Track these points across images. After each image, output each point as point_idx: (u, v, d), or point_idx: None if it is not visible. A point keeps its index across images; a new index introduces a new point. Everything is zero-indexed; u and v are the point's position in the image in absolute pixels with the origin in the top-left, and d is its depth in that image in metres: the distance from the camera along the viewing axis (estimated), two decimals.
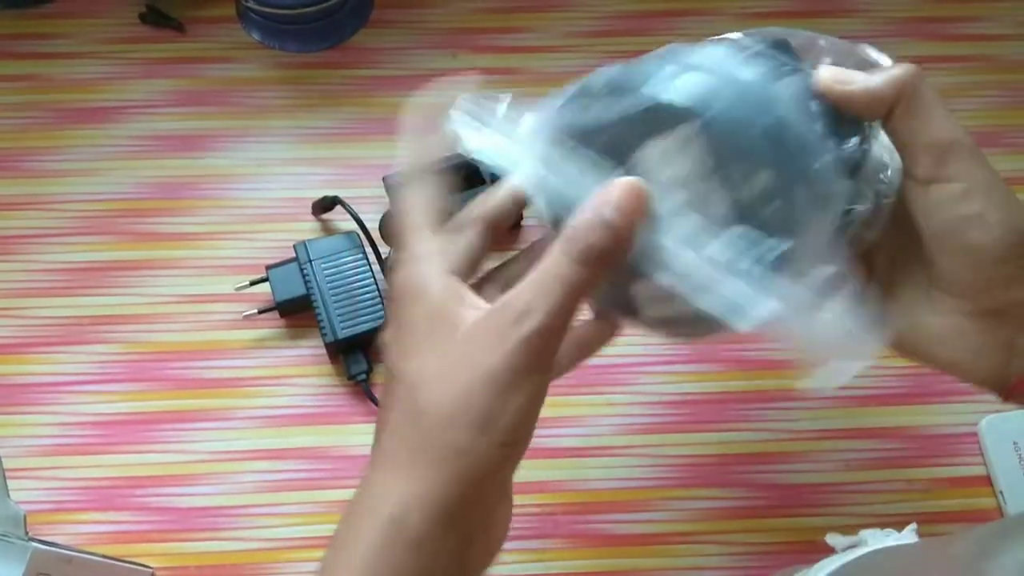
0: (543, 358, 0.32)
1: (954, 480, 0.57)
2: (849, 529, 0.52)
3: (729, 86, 0.34)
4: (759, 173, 0.33)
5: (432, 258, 0.35)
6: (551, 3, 0.71)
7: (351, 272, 0.58)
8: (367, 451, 0.57)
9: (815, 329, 0.32)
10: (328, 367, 0.59)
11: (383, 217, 0.60)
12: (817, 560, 0.47)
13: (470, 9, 0.70)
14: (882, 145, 0.38)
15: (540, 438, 0.58)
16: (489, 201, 0.38)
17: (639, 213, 0.32)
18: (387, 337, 0.36)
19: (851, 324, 0.33)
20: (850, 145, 0.36)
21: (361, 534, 0.33)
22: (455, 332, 0.33)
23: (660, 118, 0.34)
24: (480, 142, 0.36)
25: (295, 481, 0.56)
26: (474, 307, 0.33)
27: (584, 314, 0.38)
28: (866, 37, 0.41)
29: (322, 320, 0.57)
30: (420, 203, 0.36)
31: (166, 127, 0.65)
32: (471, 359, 0.32)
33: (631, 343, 0.60)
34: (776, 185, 0.33)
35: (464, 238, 0.37)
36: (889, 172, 0.38)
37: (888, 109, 0.36)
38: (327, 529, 0.56)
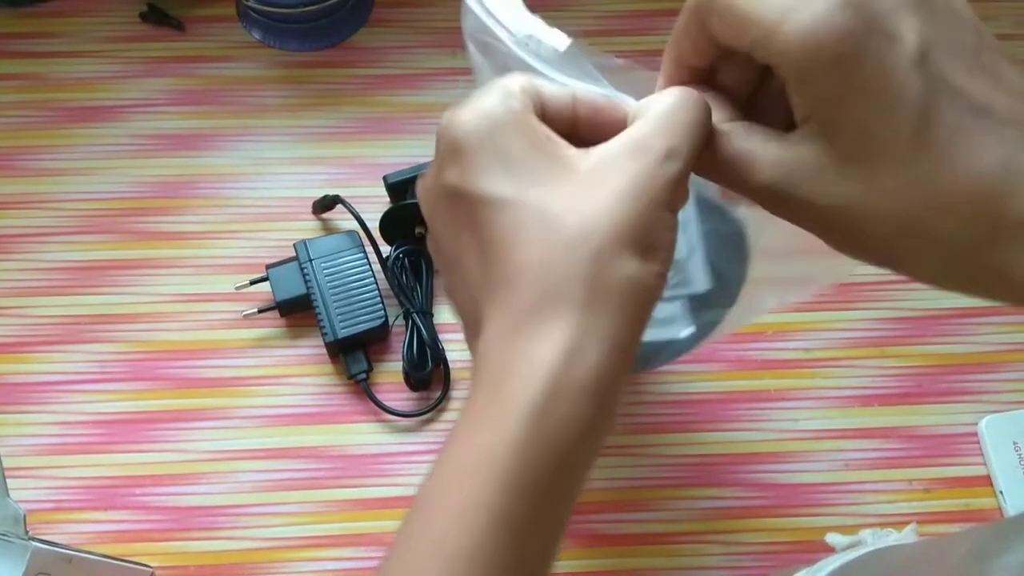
0: (679, 204, 0.30)
1: (954, 480, 0.57)
2: (849, 529, 0.52)
3: None
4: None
5: (525, 96, 0.31)
6: (551, 3, 0.71)
7: (351, 271, 0.58)
8: (367, 450, 0.57)
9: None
10: (328, 366, 0.59)
11: (383, 216, 0.60)
12: (817, 560, 0.47)
13: None
14: None
15: None
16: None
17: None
18: (483, 162, 0.29)
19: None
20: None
21: (505, 406, 0.27)
22: (577, 167, 0.29)
23: None
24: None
25: (295, 480, 0.56)
26: (577, 151, 0.30)
27: None
28: None
29: (322, 319, 0.57)
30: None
31: (166, 126, 0.65)
32: (620, 188, 0.28)
33: None
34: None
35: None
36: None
37: None
38: (327, 528, 0.56)
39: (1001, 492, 0.56)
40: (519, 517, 0.27)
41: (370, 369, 0.58)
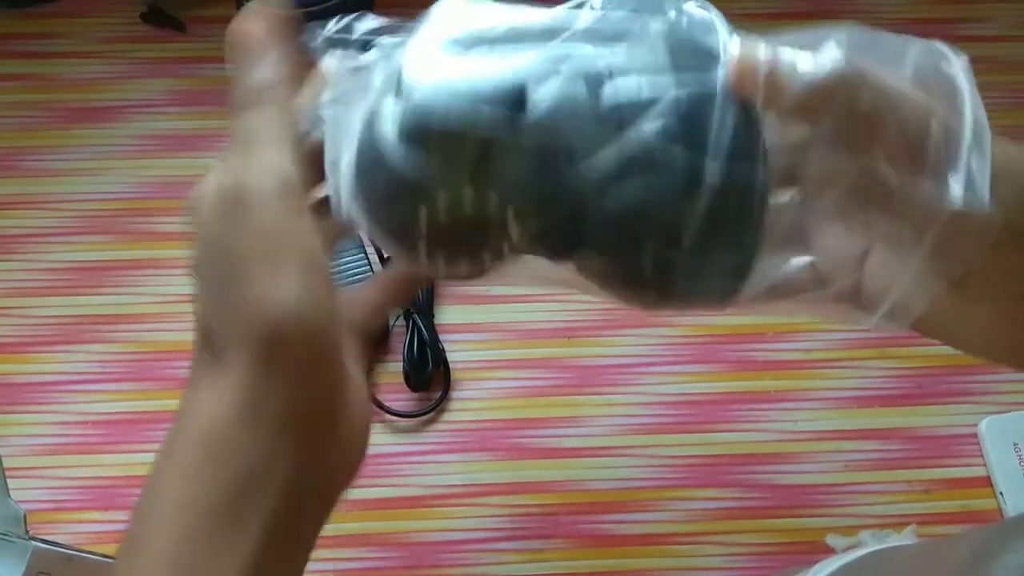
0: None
1: (954, 481, 0.57)
2: (849, 530, 0.52)
3: None
4: None
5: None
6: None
7: (352, 271, 0.58)
8: (367, 450, 0.57)
9: None
10: None
11: None
12: (817, 561, 0.47)
13: None
14: None
15: (540, 438, 0.58)
16: None
17: None
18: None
19: None
20: None
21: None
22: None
23: None
24: None
25: None
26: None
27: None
28: None
29: None
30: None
31: (167, 126, 0.65)
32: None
33: (631, 343, 0.60)
34: None
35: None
36: None
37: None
38: (327, 529, 0.56)
39: (1001, 493, 0.56)
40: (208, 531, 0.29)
41: (370, 369, 0.58)
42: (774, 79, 0.28)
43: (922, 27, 0.71)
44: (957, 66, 0.30)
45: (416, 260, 0.32)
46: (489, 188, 0.30)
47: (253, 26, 0.32)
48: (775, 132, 0.30)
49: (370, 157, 0.30)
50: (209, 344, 0.30)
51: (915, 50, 0.31)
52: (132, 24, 0.68)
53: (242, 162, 0.30)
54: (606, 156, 0.30)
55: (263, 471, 0.29)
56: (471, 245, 0.31)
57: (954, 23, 0.70)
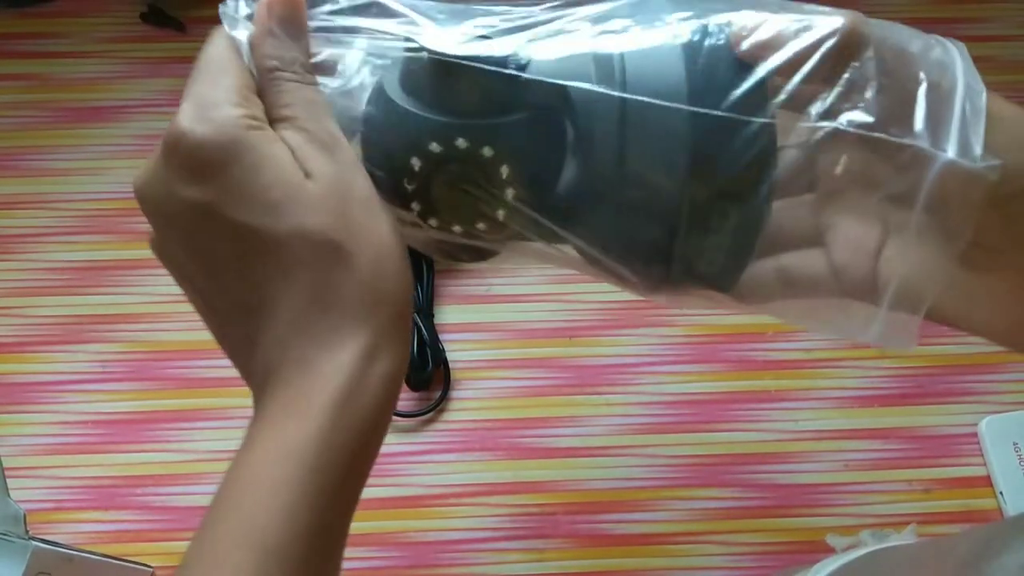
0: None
1: (954, 481, 0.57)
2: (849, 530, 0.52)
3: None
4: None
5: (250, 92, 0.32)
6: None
7: None
8: None
9: None
10: None
11: None
12: (817, 560, 0.47)
13: None
14: None
15: (540, 438, 0.58)
16: None
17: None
18: (234, 190, 0.30)
19: None
20: None
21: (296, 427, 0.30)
22: (312, 191, 0.30)
23: None
24: None
25: None
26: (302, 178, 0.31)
27: None
28: None
29: None
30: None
31: (167, 126, 0.65)
32: (361, 206, 0.31)
33: (631, 343, 0.60)
34: None
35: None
36: None
37: None
38: None
39: (1001, 493, 0.56)
40: (326, 492, 0.30)
41: None
42: (777, 40, 0.29)
43: (922, 27, 0.70)
44: (952, 48, 0.31)
45: (411, 225, 0.32)
46: (484, 143, 0.30)
47: None
48: (789, 123, 0.30)
49: (374, 108, 0.31)
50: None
51: (911, 31, 0.32)
52: (132, 24, 0.68)
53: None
54: (609, 120, 0.30)
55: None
56: (465, 209, 0.31)
57: (954, 23, 0.70)
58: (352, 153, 0.31)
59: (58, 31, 0.68)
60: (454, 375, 0.59)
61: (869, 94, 0.29)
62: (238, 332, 0.32)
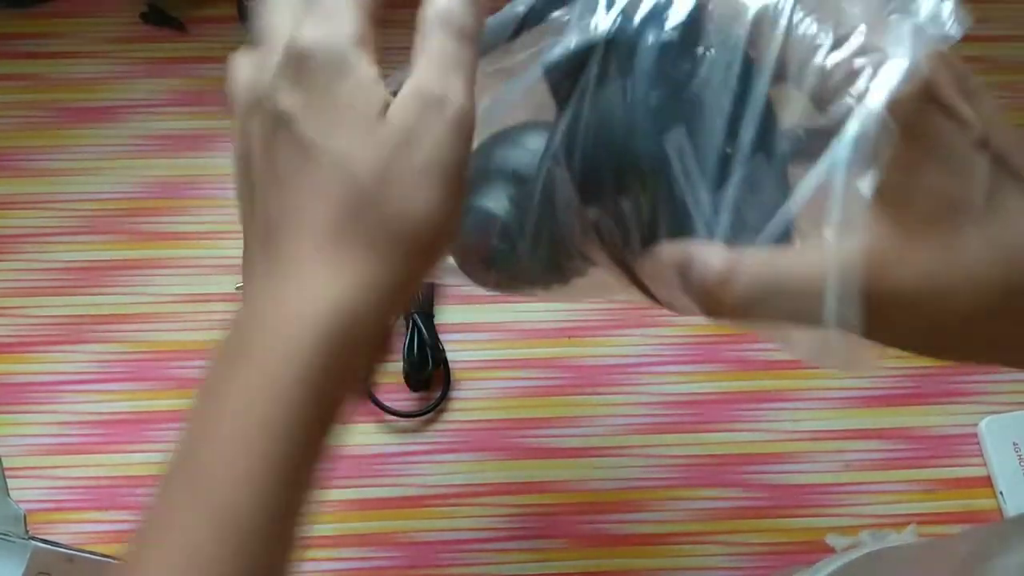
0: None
1: (954, 481, 0.57)
2: (849, 530, 0.52)
3: None
4: None
5: (355, 24, 0.33)
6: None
7: None
8: (367, 451, 0.57)
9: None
10: None
11: None
12: (817, 560, 0.47)
13: None
14: None
15: (540, 438, 0.58)
16: None
17: None
18: (327, 105, 0.31)
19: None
20: None
21: (272, 349, 0.31)
22: (380, 118, 0.31)
23: None
24: None
25: None
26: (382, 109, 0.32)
27: None
28: None
29: None
30: None
31: (167, 126, 0.65)
32: (408, 146, 0.31)
33: (631, 343, 0.60)
34: None
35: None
36: None
37: None
38: (327, 529, 0.56)
39: (1001, 493, 0.56)
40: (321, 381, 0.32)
41: (370, 370, 0.58)
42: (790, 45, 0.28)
43: None
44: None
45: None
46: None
47: None
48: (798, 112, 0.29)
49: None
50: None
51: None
52: (132, 24, 0.68)
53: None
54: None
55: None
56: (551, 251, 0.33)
57: None
58: (451, 121, 0.31)
59: (58, 31, 0.68)
60: (454, 375, 0.59)
61: None
62: (256, 249, 0.34)
